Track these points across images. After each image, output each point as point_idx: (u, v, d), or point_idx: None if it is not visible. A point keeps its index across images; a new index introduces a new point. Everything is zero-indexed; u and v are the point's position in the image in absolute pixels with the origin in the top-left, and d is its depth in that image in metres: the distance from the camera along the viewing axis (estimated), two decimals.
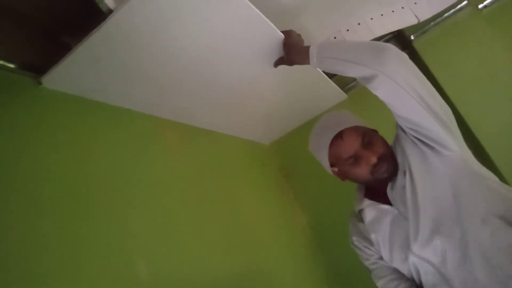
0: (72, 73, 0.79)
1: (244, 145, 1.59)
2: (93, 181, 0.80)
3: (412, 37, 1.57)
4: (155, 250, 0.85)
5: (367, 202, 0.99)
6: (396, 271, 0.99)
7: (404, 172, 0.89)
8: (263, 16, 0.89)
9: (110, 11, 0.68)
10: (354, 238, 1.07)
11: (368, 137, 0.93)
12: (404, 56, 0.82)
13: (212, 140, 1.38)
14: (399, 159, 0.92)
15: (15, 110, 0.72)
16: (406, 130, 0.87)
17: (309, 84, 1.35)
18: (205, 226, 1.07)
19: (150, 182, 0.95)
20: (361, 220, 1.02)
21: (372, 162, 0.90)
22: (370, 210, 0.98)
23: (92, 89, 0.86)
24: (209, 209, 1.13)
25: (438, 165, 0.86)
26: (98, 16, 0.70)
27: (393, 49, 0.79)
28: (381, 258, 1.00)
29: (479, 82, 1.49)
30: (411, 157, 0.88)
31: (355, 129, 0.94)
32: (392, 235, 0.94)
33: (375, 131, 0.98)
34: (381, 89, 0.80)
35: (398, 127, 0.92)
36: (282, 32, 0.98)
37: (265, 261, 1.27)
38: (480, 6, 1.53)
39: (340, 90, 1.54)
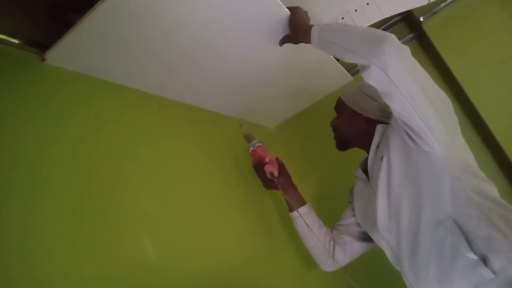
0: (76, 50, 0.78)
1: (249, 129, 1.58)
2: (99, 160, 0.79)
3: (421, 19, 1.53)
4: (162, 232, 0.85)
5: (359, 171, 1.11)
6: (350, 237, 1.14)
7: (382, 158, 0.94)
8: None
9: None
10: (349, 191, 1.21)
11: (339, 110, 1.15)
12: (402, 48, 0.80)
13: (218, 122, 1.37)
14: (382, 143, 0.98)
15: (18, 86, 0.71)
16: (397, 119, 0.87)
17: (314, 65, 1.33)
18: (212, 208, 1.07)
19: (157, 163, 0.95)
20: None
21: (331, 126, 1.17)
22: (359, 179, 1.11)
23: (97, 66, 0.85)
24: (216, 191, 1.14)
25: (418, 159, 0.87)
26: None
27: (391, 41, 0.77)
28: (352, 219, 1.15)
29: (490, 66, 1.46)
30: (393, 146, 0.92)
31: (339, 99, 1.15)
32: (367, 207, 1.04)
33: (349, 109, 1.10)
34: (372, 80, 0.80)
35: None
36: (288, 8, 0.96)
37: (273, 244, 1.28)
38: None
39: (346, 72, 1.52)
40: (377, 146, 1.00)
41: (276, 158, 1.20)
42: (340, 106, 1.14)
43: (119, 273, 0.71)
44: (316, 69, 1.39)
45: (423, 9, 1.47)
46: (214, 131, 1.31)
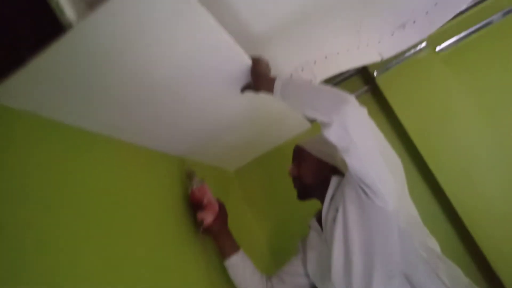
0: (25, 88, 0.73)
1: (209, 172, 1.55)
2: (41, 205, 0.73)
3: (375, 73, 1.64)
4: (105, 280, 0.79)
5: (313, 221, 1.12)
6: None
7: (337, 209, 0.96)
8: (233, 41, 0.88)
9: (71, 25, 0.65)
10: (300, 242, 1.19)
11: (300, 158, 1.15)
12: (362, 110, 0.86)
13: (177, 165, 1.33)
14: (338, 195, 1.00)
15: None
16: (352, 174, 0.90)
17: (274, 111, 1.36)
18: (168, 253, 1.01)
19: (109, 209, 0.89)
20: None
21: (291, 175, 1.16)
22: (313, 230, 1.11)
23: (46, 106, 0.80)
24: (169, 240, 1.08)
25: (371, 213, 0.90)
26: (60, 28, 0.67)
27: (351, 102, 0.83)
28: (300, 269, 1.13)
29: (437, 120, 1.57)
30: (348, 198, 0.95)
31: (299, 147, 1.17)
32: (320, 258, 1.04)
33: (314, 158, 1.11)
34: (332, 137, 0.84)
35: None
36: (251, 58, 0.99)
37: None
38: (438, 48, 1.64)
39: (305, 119, 1.57)
40: (331, 198, 1.02)
41: (217, 199, 1.17)
42: (302, 155, 1.15)
43: None
44: (276, 116, 1.42)
45: (376, 65, 1.57)
46: (171, 175, 1.26)
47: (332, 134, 0.83)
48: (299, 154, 1.16)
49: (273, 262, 1.63)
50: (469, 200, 1.45)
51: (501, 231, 1.40)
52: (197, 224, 1.11)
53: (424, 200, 1.57)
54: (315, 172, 1.11)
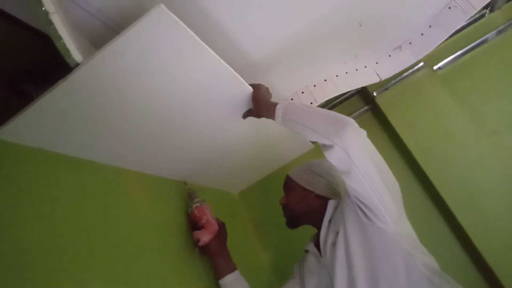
0: (32, 125, 0.76)
1: (213, 195, 1.56)
2: (50, 237, 0.74)
3: (374, 93, 1.66)
4: None
5: (311, 246, 1.11)
6: None
7: (337, 232, 0.96)
8: (233, 71, 0.91)
9: (77, 65, 0.67)
10: (296, 266, 1.19)
11: (288, 187, 1.18)
12: (362, 132, 0.88)
13: (181, 190, 1.34)
14: (336, 218, 1.01)
15: None
16: (351, 196, 0.92)
17: (277, 134, 1.38)
18: (175, 278, 1.01)
19: (114, 236, 0.89)
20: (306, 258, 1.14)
21: (281, 204, 1.19)
22: (311, 255, 1.10)
23: (52, 140, 0.83)
24: (179, 260, 1.08)
25: (372, 234, 0.90)
26: (63, 66, 0.69)
27: (352, 125, 0.85)
28: None
29: (438, 137, 1.57)
30: (348, 220, 0.95)
31: (288, 177, 1.20)
32: (320, 283, 1.02)
33: (300, 187, 1.14)
34: (334, 159, 0.86)
35: (347, 191, 0.98)
36: (251, 85, 1.01)
37: None
38: (435, 67, 1.66)
39: (307, 140, 1.58)
40: (329, 221, 1.02)
41: (217, 219, 1.17)
42: (290, 184, 1.18)
43: None
44: (279, 137, 1.44)
45: (376, 85, 1.59)
46: (176, 199, 1.27)
47: (333, 157, 0.85)
48: (287, 183, 1.19)
49: (277, 284, 1.62)
50: (474, 216, 1.44)
51: (508, 245, 1.39)
52: (193, 243, 1.12)
53: (429, 216, 1.56)
54: (301, 201, 1.13)
